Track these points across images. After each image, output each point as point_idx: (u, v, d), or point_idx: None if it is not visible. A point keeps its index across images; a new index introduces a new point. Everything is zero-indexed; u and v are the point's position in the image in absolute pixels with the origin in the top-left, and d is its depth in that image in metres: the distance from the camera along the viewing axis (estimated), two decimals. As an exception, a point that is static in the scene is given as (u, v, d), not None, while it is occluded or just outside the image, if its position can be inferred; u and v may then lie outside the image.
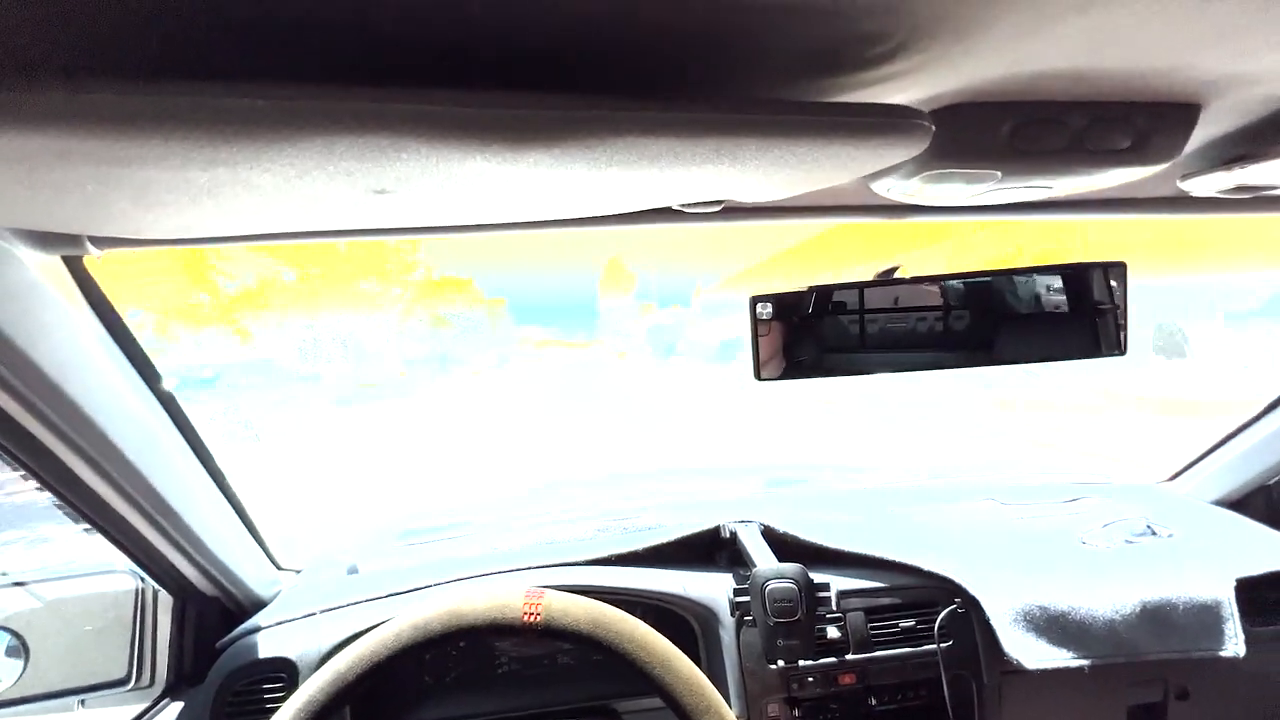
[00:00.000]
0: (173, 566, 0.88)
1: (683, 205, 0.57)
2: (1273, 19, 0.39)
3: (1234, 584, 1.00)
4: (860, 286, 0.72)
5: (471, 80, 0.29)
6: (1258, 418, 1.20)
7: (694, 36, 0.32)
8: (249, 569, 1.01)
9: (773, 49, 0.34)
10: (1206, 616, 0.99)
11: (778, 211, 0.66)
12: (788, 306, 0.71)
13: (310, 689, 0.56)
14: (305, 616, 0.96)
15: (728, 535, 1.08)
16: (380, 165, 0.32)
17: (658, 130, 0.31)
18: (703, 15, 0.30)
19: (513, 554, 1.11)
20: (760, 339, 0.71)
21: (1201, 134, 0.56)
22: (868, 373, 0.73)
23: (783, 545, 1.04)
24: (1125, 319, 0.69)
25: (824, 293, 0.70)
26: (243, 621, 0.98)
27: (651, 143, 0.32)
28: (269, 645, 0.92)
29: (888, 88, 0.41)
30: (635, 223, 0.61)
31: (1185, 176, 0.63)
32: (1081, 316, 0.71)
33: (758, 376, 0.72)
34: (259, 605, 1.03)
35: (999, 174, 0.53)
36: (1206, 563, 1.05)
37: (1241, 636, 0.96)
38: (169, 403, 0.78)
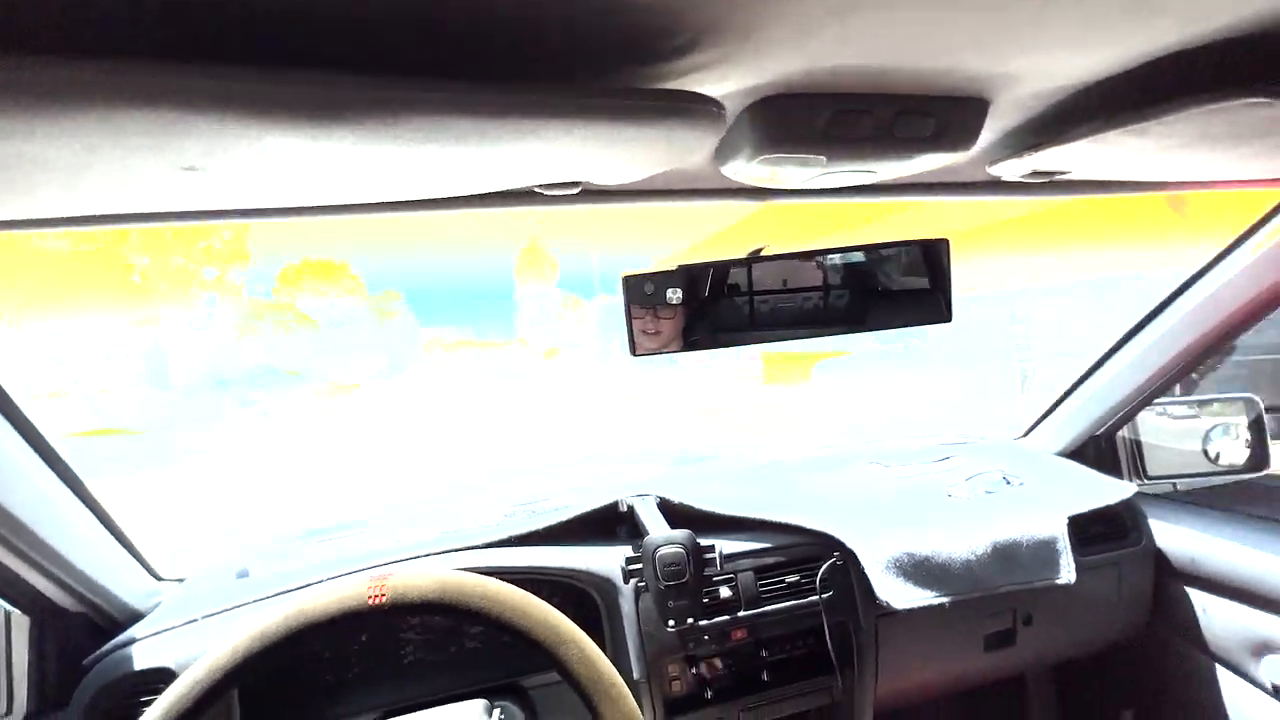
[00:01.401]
0: (23, 582, 0.82)
1: (539, 187, 0.59)
2: (1029, 24, 0.45)
3: (1066, 520, 1.15)
4: (729, 265, 0.77)
5: (268, 53, 0.30)
6: (1084, 377, 1.38)
7: (497, 20, 0.34)
8: (120, 580, 0.95)
9: (574, 37, 0.37)
10: (1044, 551, 1.13)
11: (635, 194, 0.69)
12: (660, 284, 0.75)
13: None
14: (186, 624, 0.92)
15: (625, 509, 1.13)
16: (175, 139, 0.32)
17: (457, 110, 0.33)
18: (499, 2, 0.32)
19: (416, 544, 1.10)
20: (634, 316, 0.75)
21: (997, 125, 0.65)
22: (737, 345, 0.78)
23: (679, 516, 1.10)
24: (950, 290, 0.78)
25: (692, 271, 0.74)
26: (115, 636, 0.92)
27: (455, 122, 0.34)
28: (145, 656, 0.88)
29: (705, 77, 0.45)
30: (494, 205, 0.62)
31: (992, 162, 0.72)
32: (919, 287, 0.80)
33: (633, 352, 0.75)
34: (135, 618, 0.97)
35: (824, 159, 0.58)
36: (1046, 505, 1.20)
37: (1073, 566, 1.11)
38: (5, 406, 0.72)
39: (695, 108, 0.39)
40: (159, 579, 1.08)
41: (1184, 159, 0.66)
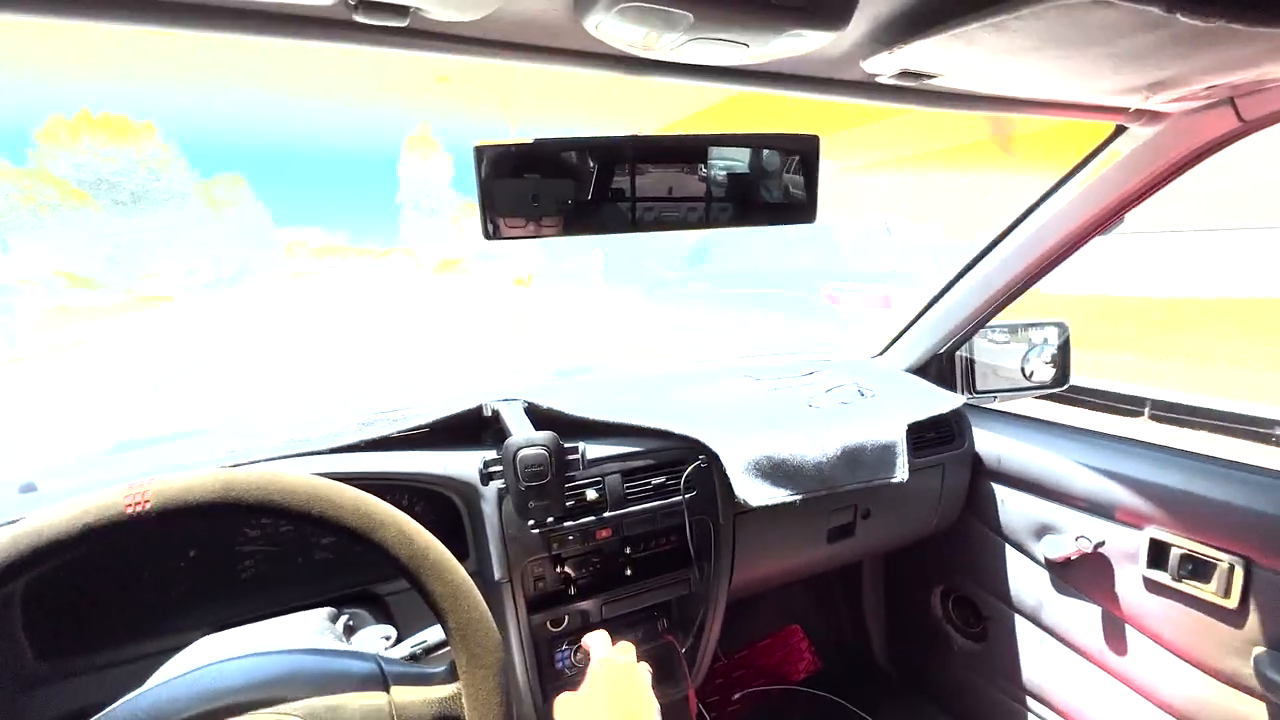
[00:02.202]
0: None
1: (360, 10, 0.49)
2: None
3: (905, 427, 1.27)
4: (590, 142, 0.71)
5: None
6: (932, 302, 1.49)
7: None
8: None
9: None
10: (884, 454, 1.24)
11: (479, 43, 0.60)
12: (518, 159, 0.68)
13: None
14: None
15: (490, 414, 1.09)
16: None
17: None
18: None
19: (249, 452, 0.99)
20: (491, 193, 0.68)
21: (870, 12, 0.62)
22: (601, 232, 0.74)
23: (547, 421, 1.08)
24: (816, 190, 0.78)
25: (550, 146, 0.67)
26: None
27: None
28: None
29: None
30: (301, 34, 0.50)
31: (866, 58, 0.71)
32: (786, 184, 0.79)
33: (487, 235, 0.68)
34: None
35: (690, 17, 0.53)
36: (890, 413, 1.31)
37: (906, 467, 1.24)
38: None
39: None
40: (-92, 496, 0.89)
41: (1037, 67, 0.68)
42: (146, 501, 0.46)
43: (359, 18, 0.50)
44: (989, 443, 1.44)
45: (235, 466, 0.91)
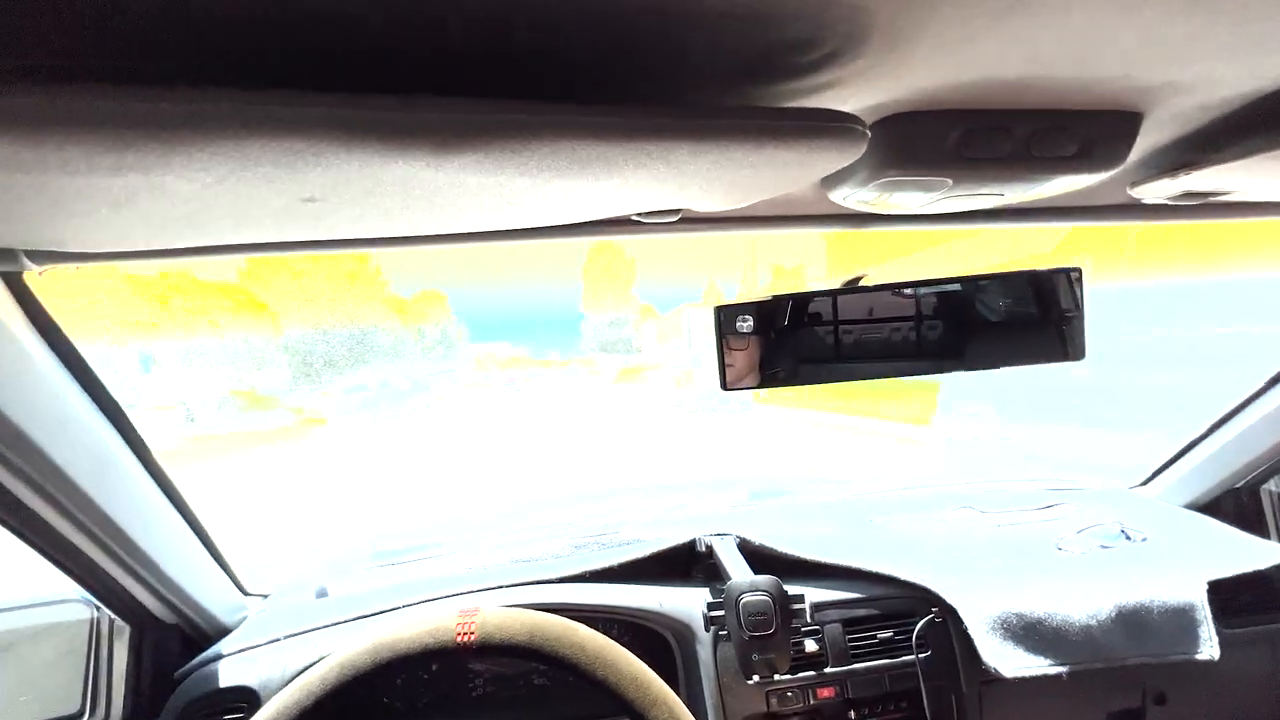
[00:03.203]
0: (129, 594, 0.85)
1: (639, 215, 0.57)
2: (1202, 29, 0.40)
3: (1206, 587, 1.01)
4: (828, 295, 0.72)
5: (392, 83, 0.29)
6: (1223, 421, 1.22)
7: (621, 43, 0.32)
8: (212, 595, 0.98)
9: (704, 56, 0.35)
10: (1181, 620, 0.99)
11: (737, 221, 0.66)
12: (754, 315, 0.71)
13: None
14: (269, 643, 0.93)
15: (704, 549, 1.07)
16: (300, 171, 0.31)
17: (587, 135, 0.31)
18: (626, 23, 0.30)
19: (486, 573, 1.08)
20: (727, 348, 0.71)
21: (1147, 141, 0.58)
22: (837, 380, 0.73)
23: (759, 558, 1.04)
24: (1083, 323, 0.70)
25: (790, 301, 0.70)
26: (205, 650, 0.95)
27: (583, 148, 0.32)
28: (230, 673, 0.89)
29: (832, 95, 0.41)
30: (591, 234, 0.60)
31: (1134, 184, 0.65)
32: (1043, 321, 0.72)
33: (724, 386, 0.71)
34: (223, 632, 1.00)
35: (950, 181, 0.53)
36: (1179, 566, 1.06)
37: (1216, 639, 0.97)
38: (121, 424, 0.76)
39: (834, 128, 0.36)
40: (246, 594, 1.11)
41: None
42: (472, 634, 0.54)
43: (637, 217, 0.59)
44: (1342, 613, 1.07)
45: (497, 589, 1.01)
